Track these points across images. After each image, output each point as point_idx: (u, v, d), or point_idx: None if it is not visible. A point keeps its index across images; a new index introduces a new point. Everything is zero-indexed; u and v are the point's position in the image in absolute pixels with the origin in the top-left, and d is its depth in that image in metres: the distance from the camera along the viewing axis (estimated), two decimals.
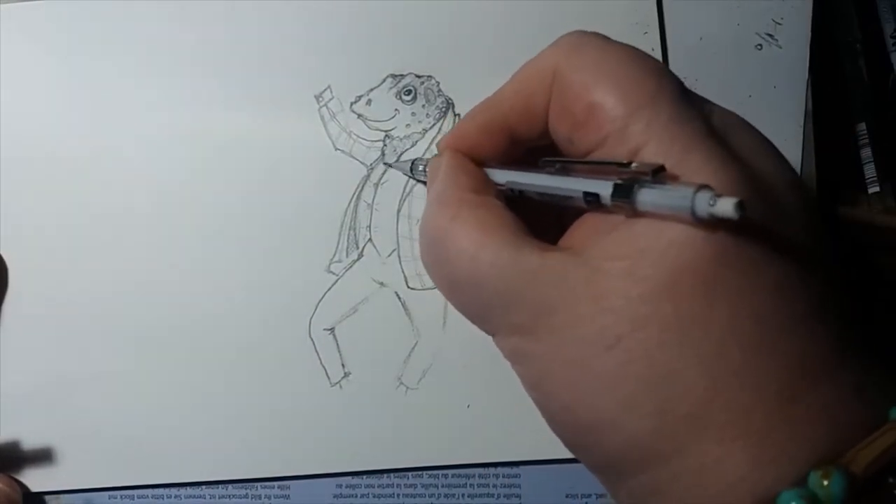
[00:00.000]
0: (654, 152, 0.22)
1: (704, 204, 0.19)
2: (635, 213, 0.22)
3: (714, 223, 0.20)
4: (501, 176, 0.27)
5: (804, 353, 0.21)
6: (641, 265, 0.21)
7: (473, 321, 0.26)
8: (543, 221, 0.26)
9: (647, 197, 0.21)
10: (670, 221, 0.21)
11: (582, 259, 0.22)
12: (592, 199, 0.23)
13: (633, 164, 0.22)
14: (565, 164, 0.25)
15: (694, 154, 0.22)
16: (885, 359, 0.23)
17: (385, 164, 0.39)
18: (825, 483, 0.19)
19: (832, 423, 0.21)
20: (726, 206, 0.19)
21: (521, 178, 0.26)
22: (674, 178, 0.22)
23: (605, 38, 0.26)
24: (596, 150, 0.24)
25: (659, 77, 0.24)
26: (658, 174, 0.21)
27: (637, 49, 0.25)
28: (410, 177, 0.38)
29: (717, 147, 0.22)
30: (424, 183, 0.37)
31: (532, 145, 0.28)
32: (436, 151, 0.38)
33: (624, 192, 0.22)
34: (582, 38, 0.26)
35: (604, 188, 0.22)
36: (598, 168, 0.23)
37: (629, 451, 0.22)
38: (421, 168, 0.36)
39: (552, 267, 0.23)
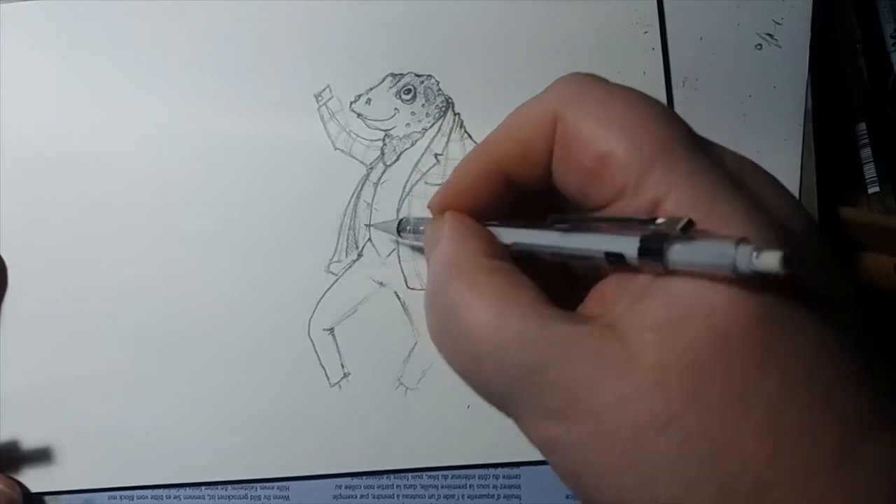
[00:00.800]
0: (676, 204, 0.21)
1: (746, 259, 0.18)
2: (666, 272, 0.20)
3: (755, 279, 0.19)
4: (508, 235, 0.25)
5: (854, 408, 0.20)
6: (685, 334, 0.20)
7: (496, 404, 0.23)
8: (553, 281, 0.25)
9: (681, 254, 0.19)
10: (707, 281, 0.20)
11: (619, 331, 0.20)
12: (616, 259, 0.21)
13: (659, 220, 0.20)
14: (578, 221, 0.23)
15: (719, 205, 0.21)
16: None
17: (366, 225, 0.38)
18: None
19: (891, 477, 0.20)
20: (771, 261, 0.18)
21: (531, 238, 0.24)
22: (704, 233, 0.20)
23: (605, 81, 0.24)
24: (612, 202, 0.23)
25: (669, 123, 0.22)
26: (688, 229, 0.20)
27: (640, 92, 0.24)
28: (398, 239, 0.36)
29: (741, 196, 0.21)
30: (413, 247, 0.37)
31: (530, 191, 0.26)
32: (437, 151, 0.38)
33: (653, 251, 0.20)
34: (582, 82, 0.24)
35: (629, 247, 0.20)
36: (617, 224, 0.22)
37: None
38: (409, 228, 0.34)
39: (586, 341, 0.21)
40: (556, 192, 0.25)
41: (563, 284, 0.25)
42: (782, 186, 0.24)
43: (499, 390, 0.22)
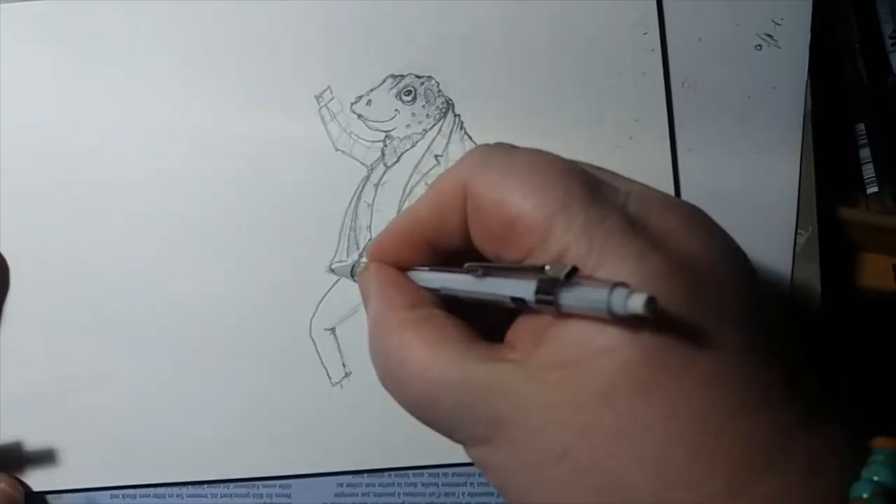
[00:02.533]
0: (574, 256, 0.22)
1: (621, 301, 0.19)
2: (561, 315, 0.22)
3: (637, 323, 0.20)
4: (433, 281, 0.27)
5: (749, 442, 0.21)
6: (576, 374, 0.21)
7: (443, 434, 0.26)
8: (486, 310, 0.27)
9: (568, 299, 0.21)
10: (597, 325, 0.21)
11: (525, 370, 0.23)
12: (520, 303, 0.23)
13: (547, 268, 0.22)
14: (488, 268, 0.25)
15: (610, 254, 0.22)
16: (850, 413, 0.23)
17: (328, 270, 0.38)
18: None
19: None
20: (636, 304, 0.19)
21: (451, 283, 0.26)
22: (588, 279, 0.22)
23: (510, 148, 0.26)
24: (525, 260, 0.24)
25: (567, 179, 0.24)
26: (571, 276, 0.22)
27: (542, 152, 0.25)
28: (352, 279, 0.36)
29: (634, 242, 0.22)
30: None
31: (455, 253, 0.28)
32: (438, 152, 0.39)
33: (546, 294, 0.22)
34: (486, 152, 0.26)
35: (527, 291, 0.22)
36: (520, 271, 0.24)
37: None
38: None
39: (500, 380, 0.23)
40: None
41: (495, 312, 0.26)
42: (701, 220, 0.25)
43: (440, 426, 0.25)
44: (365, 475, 0.39)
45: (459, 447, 0.37)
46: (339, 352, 0.38)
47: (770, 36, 0.39)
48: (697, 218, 0.25)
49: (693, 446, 0.21)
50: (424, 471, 0.38)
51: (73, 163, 0.39)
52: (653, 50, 0.38)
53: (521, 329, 0.24)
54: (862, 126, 0.40)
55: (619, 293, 0.20)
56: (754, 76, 0.39)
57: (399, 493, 0.39)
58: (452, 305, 0.27)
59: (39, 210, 0.39)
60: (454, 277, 0.26)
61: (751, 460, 0.21)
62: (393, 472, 0.38)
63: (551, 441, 0.22)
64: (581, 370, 0.21)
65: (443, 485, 0.38)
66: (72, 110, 0.39)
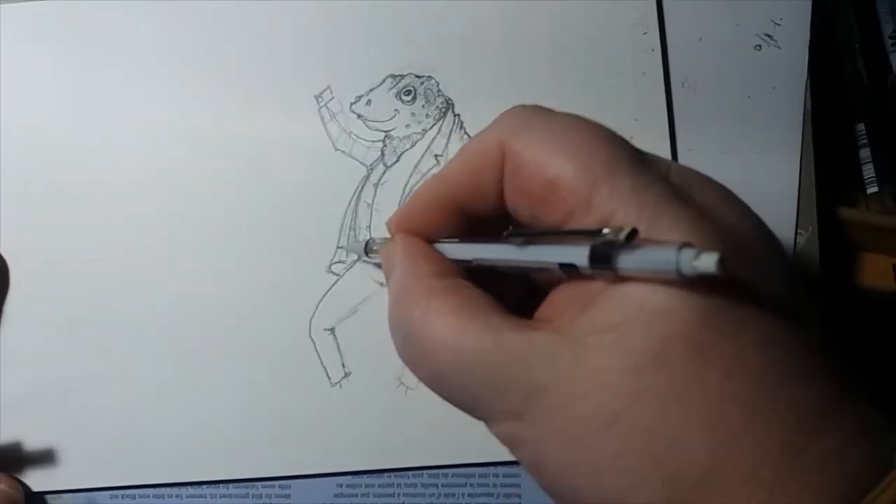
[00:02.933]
0: (623, 221, 0.22)
1: (689, 261, 0.19)
2: (617, 278, 0.21)
3: (695, 284, 0.20)
4: (468, 251, 0.26)
5: (803, 403, 0.21)
6: (629, 337, 0.21)
7: (464, 409, 0.25)
8: (513, 288, 0.26)
9: (628, 261, 0.21)
10: (649, 288, 0.21)
11: (568, 336, 0.22)
12: (570, 269, 0.22)
13: (605, 231, 0.22)
14: (532, 235, 0.24)
15: (663, 218, 0.22)
16: (884, 399, 0.23)
17: (339, 247, 0.38)
18: None
19: (841, 472, 0.20)
20: (708, 262, 0.19)
21: (487, 252, 0.26)
22: (648, 241, 0.21)
23: (548, 111, 0.26)
24: (563, 224, 0.24)
25: (611, 144, 0.24)
26: (632, 238, 0.21)
27: (583, 118, 0.25)
28: (365, 259, 0.37)
29: (684, 207, 0.22)
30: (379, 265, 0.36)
31: (484, 219, 0.27)
32: (437, 152, 0.39)
33: (602, 258, 0.21)
34: (525, 112, 0.26)
35: (579, 257, 0.22)
36: (568, 237, 0.23)
37: None
38: (375, 248, 0.34)
39: (538, 347, 0.22)
40: (510, 216, 0.26)
41: (524, 290, 0.26)
42: (733, 196, 0.25)
43: (464, 399, 0.24)
44: (364, 476, 0.38)
45: (460, 447, 0.37)
46: (339, 352, 0.38)
47: (770, 36, 0.39)
48: (731, 195, 0.25)
49: (749, 407, 0.20)
50: (424, 471, 0.38)
51: (73, 163, 0.39)
52: (653, 50, 0.38)
53: (561, 298, 0.24)
54: (862, 126, 0.40)
55: (687, 253, 0.19)
56: (754, 76, 0.39)
57: (399, 494, 0.38)
58: (482, 277, 0.26)
59: (39, 210, 0.39)
60: (491, 247, 0.25)
61: (806, 421, 0.21)
62: (392, 473, 0.38)
63: (599, 407, 0.21)
64: (634, 332, 0.21)
65: (442, 486, 0.38)
66: (72, 110, 0.39)
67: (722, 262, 0.19)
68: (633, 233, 0.21)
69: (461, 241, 0.27)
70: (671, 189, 0.23)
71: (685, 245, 0.20)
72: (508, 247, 0.25)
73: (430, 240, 0.28)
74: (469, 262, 0.26)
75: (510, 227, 0.25)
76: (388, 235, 0.29)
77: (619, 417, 0.21)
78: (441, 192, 0.27)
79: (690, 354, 0.21)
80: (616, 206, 0.22)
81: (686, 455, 0.20)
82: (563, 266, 0.23)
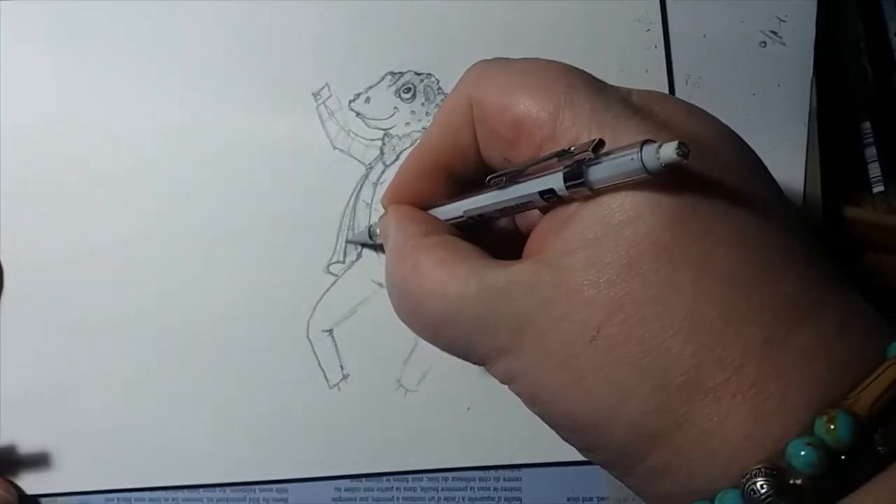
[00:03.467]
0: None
1: (652, 156, 0.20)
2: (593, 193, 0.22)
3: (662, 188, 0.21)
4: (456, 209, 0.28)
5: (779, 299, 0.21)
6: (601, 251, 0.22)
7: (463, 358, 0.26)
8: (510, 243, 0.27)
9: (598, 173, 0.21)
10: (618, 199, 0.22)
11: (544, 262, 0.23)
12: (550, 196, 0.23)
13: (573, 148, 0.22)
14: (511, 173, 0.25)
15: (622, 134, 0.22)
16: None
17: (347, 241, 0.38)
18: (832, 427, 0.19)
19: (825, 363, 0.21)
20: (669, 151, 0.19)
21: (475, 203, 0.27)
22: (612, 150, 0.22)
23: (509, 59, 0.26)
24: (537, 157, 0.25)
25: (568, 76, 0.24)
26: (599, 149, 0.22)
27: (539, 59, 0.26)
28: (372, 244, 0.37)
29: (643, 123, 0.23)
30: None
31: (470, 178, 0.28)
32: None
33: (575, 176, 0.22)
34: (486, 63, 0.27)
35: (555, 181, 0.23)
36: (543, 166, 0.24)
37: (632, 437, 0.22)
38: (379, 231, 0.35)
39: (519, 280, 0.23)
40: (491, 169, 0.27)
41: (520, 244, 0.26)
42: (700, 110, 0.26)
43: (459, 346, 0.25)
44: (363, 479, 0.38)
45: (460, 450, 0.37)
46: (337, 354, 0.38)
47: (775, 33, 0.38)
48: (695, 107, 0.26)
49: (724, 306, 0.21)
50: (424, 475, 0.38)
51: (71, 163, 0.39)
52: (656, 47, 0.38)
53: (540, 232, 0.24)
54: (867, 124, 0.39)
55: (650, 148, 0.20)
56: (758, 74, 0.38)
57: (398, 498, 0.38)
58: (475, 236, 0.27)
59: (38, 210, 0.38)
60: (476, 198, 0.27)
61: (783, 315, 0.21)
62: (391, 476, 0.38)
63: (581, 324, 0.22)
64: (604, 246, 0.22)
65: (442, 489, 0.38)
66: (71, 110, 0.39)
67: (683, 148, 0.19)
68: (600, 143, 0.22)
69: (450, 201, 0.28)
70: (630, 108, 0.23)
71: (646, 142, 0.20)
72: (493, 192, 0.26)
73: (424, 207, 0.29)
74: (461, 217, 0.28)
75: (489, 176, 0.26)
76: None
77: (600, 331, 0.21)
78: (424, 158, 0.28)
79: (661, 258, 0.21)
80: (579, 129, 0.23)
81: (669, 360, 0.21)
82: (543, 195, 0.23)
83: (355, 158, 0.38)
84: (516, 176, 0.25)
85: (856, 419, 0.19)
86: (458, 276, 0.24)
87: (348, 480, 0.38)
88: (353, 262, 0.38)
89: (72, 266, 0.38)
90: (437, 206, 0.29)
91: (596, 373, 0.22)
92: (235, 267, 0.38)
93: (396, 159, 0.38)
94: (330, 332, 0.38)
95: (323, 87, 0.38)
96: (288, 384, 0.38)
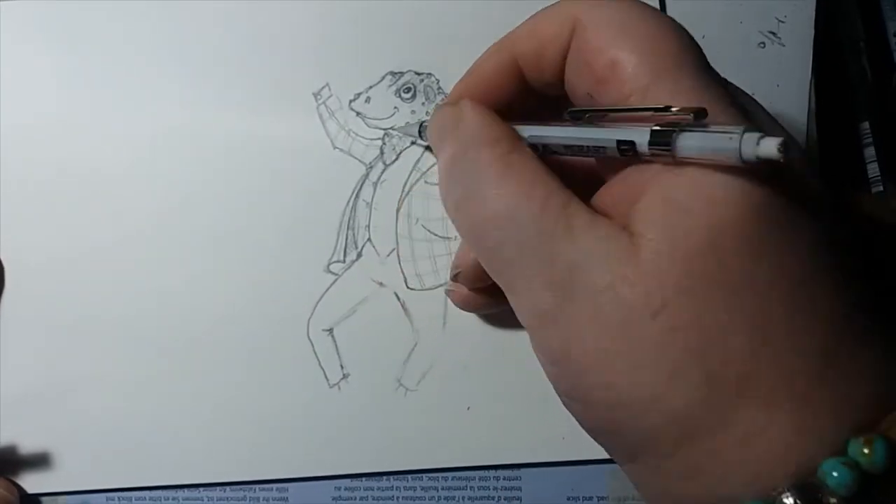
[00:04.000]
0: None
1: (752, 145, 0.19)
2: (675, 161, 0.21)
3: (753, 176, 0.20)
4: (521, 132, 0.26)
5: (843, 313, 0.21)
6: (684, 225, 0.21)
7: (496, 267, 0.25)
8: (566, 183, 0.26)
9: (689, 141, 0.20)
10: (706, 175, 0.21)
11: (621, 225, 0.22)
12: (628, 148, 0.22)
13: (673, 108, 0.21)
14: (597, 112, 0.24)
15: (720, 117, 0.22)
16: None
17: (392, 129, 0.38)
18: (866, 452, 0.19)
19: (870, 387, 0.20)
20: (770, 147, 0.18)
21: (546, 131, 0.25)
22: (711, 124, 0.21)
23: None
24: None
25: (681, 41, 0.23)
26: (700, 117, 0.21)
27: (659, 11, 0.25)
28: (418, 140, 0.37)
29: (742, 112, 0.22)
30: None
31: (541, 93, 0.27)
32: None
33: (663, 138, 0.21)
34: None
35: (640, 135, 0.21)
36: (629, 116, 0.22)
37: (670, 427, 0.21)
38: (438, 124, 0.34)
39: (595, 226, 0.22)
40: (564, 100, 0.26)
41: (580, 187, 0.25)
42: (775, 120, 0.25)
43: (508, 259, 0.24)
44: (363, 478, 0.38)
45: (460, 449, 0.37)
46: (337, 353, 0.38)
47: (773, 33, 0.38)
48: (774, 119, 0.25)
49: (794, 307, 0.20)
50: (424, 474, 0.38)
51: (70, 164, 0.39)
52: None
53: (615, 189, 0.24)
54: (866, 125, 0.39)
55: (751, 137, 0.19)
56: (757, 74, 0.38)
57: (398, 497, 0.38)
58: None
59: (38, 210, 0.39)
60: (549, 127, 0.25)
61: (841, 331, 0.21)
62: (391, 476, 0.38)
63: (646, 295, 0.20)
64: (686, 221, 0.21)
65: (442, 488, 0.38)
66: (71, 110, 0.39)
67: (785, 147, 0.18)
68: (702, 112, 0.21)
69: (515, 123, 0.26)
70: (729, 97, 0.23)
71: (749, 129, 0.19)
72: (566, 126, 0.24)
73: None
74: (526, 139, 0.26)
75: (569, 109, 0.25)
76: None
77: (666, 306, 0.20)
78: (505, 58, 0.27)
79: (743, 246, 0.20)
80: (673, 100, 0.22)
81: (729, 353, 0.20)
82: (620, 144, 0.22)
83: (356, 158, 0.38)
84: (600, 117, 0.24)
85: (891, 445, 0.19)
86: (542, 192, 0.23)
87: (348, 479, 0.38)
88: (353, 262, 0.38)
89: (71, 266, 0.38)
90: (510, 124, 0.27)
91: (650, 348, 0.21)
92: (235, 266, 0.38)
93: (396, 159, 0.38)
94: (330, 331, 0.38)
95: (323, 87, 0.39)
96: (288, 383, 0.38)
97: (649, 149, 0.21)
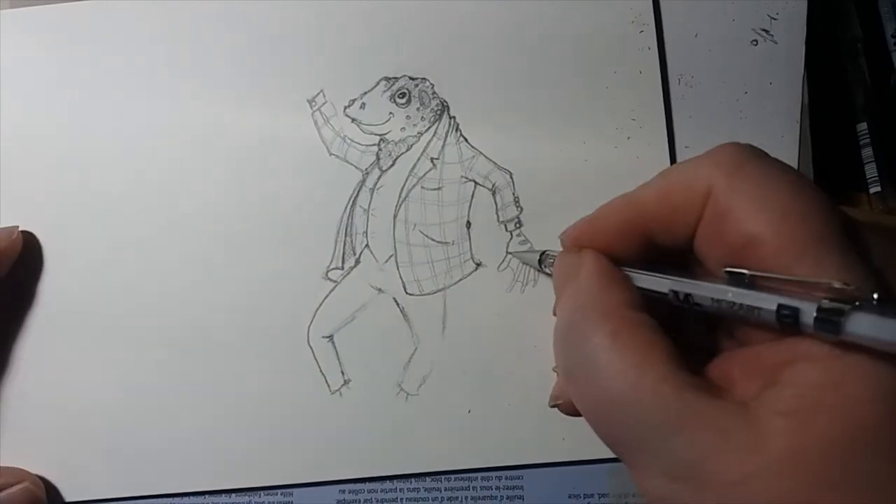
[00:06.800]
0: None
1: None
2: (837, 342, 0.20)
3: None
4: (661, 284, 0.25)
5: None
6: (820, 423, 0.20)
7: (613, 446, 0.24)
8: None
9: (863, 322, 0.19)
10: (843, 373, 0.20)
11: (749, 411, 0.21)
12: (788, 315, 0.21)
13: (837, 284, 0.20)
14: (757, 277, 0.22)
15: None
16: None
17: (513, 254, 0.37)
18: None
19: None
20: None
21: (693, 288, 0.24)
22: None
23: (765, 157, 0.24)
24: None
25: (825, 214, 0.22)
26: (884, 303, 0.19)
27: (800, 175, 0.24)
28: (539, 269, 0.36)
29: (890, 289, 0.21)
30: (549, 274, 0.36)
31: (666, 250, 0.26)
32: (433, 155, 0.38)
33: (832, 314, 0.19)
34: (741, 155, 0.24)
35: (807, 305, 0.20)
36: (798, 286, 0.21)
37: None
38: (551, 261, 0.34)
39: (718, 415, 0.21)
40: (689, 254, 0.25)
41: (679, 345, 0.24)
42: None
43: (622, 441, 0.23)
44: (367, 482, 0.38)
45: (461, 452, 0.37)
46: (338, 359, 0.38)
47: (766, 31, 0.38)
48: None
49: None
50: (427, 476, 0.38)
51: (68, 170, 0.39)
52: (649, 48, 0.38)
53: (734, 368, 0.23)
54: (864, 125, 0.39)
55: None
56: (751, 72, 0.38)
57: (402, 499, 0.38)
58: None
59: (37, 212, 0.39)
60: (697, 283, 0.24)
61: None
62: (395, 477, 0.38)
63: (779, 494, 0.20)
64: (825, 418, 0.20)
65: (445, 489, 0.38)
66: (70, 117, 0.39)
67: None
68: (884, 297, 0.20)
69: (655, 273, 0.26)
70: (879, 276, 0.22)
71: None
72: (717, 284, 0.23)
73: (613, 260, 0.27)
74: (663, 293, 0.25)
75: (726, 267, 0.24)
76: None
77: None
78: (632, 216, 0.26)
79: (875, 449, 0.19)
80: (820, 272, 0.21)
81: None
82: (782, 311, 0.21)
83: (351, 164, 0.38)
84: (760, 281, 0.22)
85: None
86: (658, 374, 0.22)
87: (352, 483, 0.38)
88: (351, 268, 0.38)
89: (71, 272, 0.38)
90: (636, 270, 0.26)
91: None
92: (234, 275, 0.38)
93: (392, 165, 0.38)
94: (330, 338, 0.38)
95: (318, 94, 0.38)
96: (290, 391, 0.38)
97: (815, 322, 0.20)
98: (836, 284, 0.20)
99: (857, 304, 0.19)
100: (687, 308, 0.24)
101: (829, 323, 0.20)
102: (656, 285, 0.25)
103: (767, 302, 0.21)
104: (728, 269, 0.23)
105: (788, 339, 0.22)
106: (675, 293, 0.25)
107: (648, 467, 0.22)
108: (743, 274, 0.23)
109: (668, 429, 0.21)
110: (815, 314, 0.20)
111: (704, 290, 0.24)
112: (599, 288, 0.25)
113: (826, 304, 0.20)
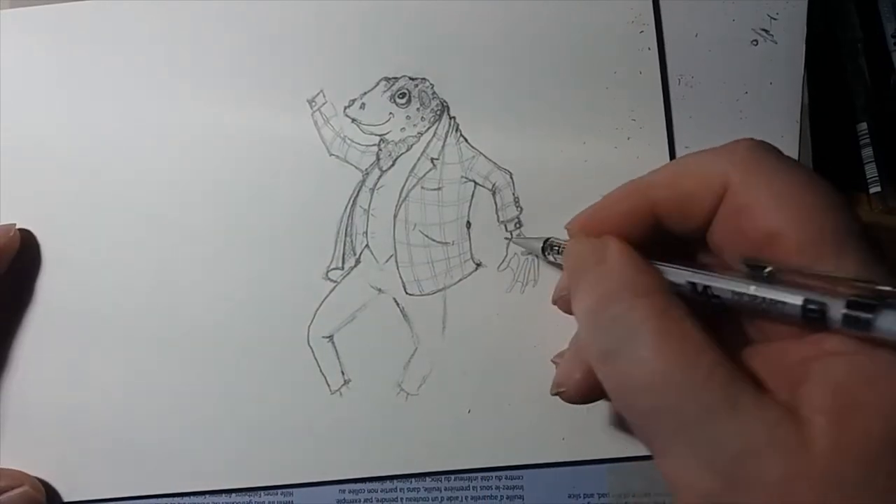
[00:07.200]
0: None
1: None
2: (866, 338, 0.20)
3: None
4: (679, 275, 0.25)
5: None
6: (859, 422, 0.20)
7: (645, 432, 0.23)
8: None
9: (894, 320, 0.19)
10: (877, 370, 0.20)
11: (789, 409, 0.21)
12: (815, 310, 0.21)
13: (880, 286, 0.20)
14: (779, 271, 0.22)
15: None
16: None
17: (514, 241, 0.37)
18: None
19: None
20: None
21: (713, 281, 0.24)
22: None
23: (779, 153, 0.24)
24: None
25: (843, 211, 0.22)
26: None
27: (812, 171, 0.24)
28: (543, 258, 0.36)
29: None
30: (555, 265, 0.36)
31: (675, 238, 0.26)
32: (433, 155, 0.38)
33: (863, 311, 0.19)
34: (758, 151, 0.24)
35: (835, 302, 0.20)
36: (822, 280, 0.21)
37: None
38: (556, 249, 0.34)
39: (766, 407, 0.21)
40: (701, 243, 0.25)
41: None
42: None
43: (660, 425, 0.22)
44: (367, 481, 0.38)
45: (462, 452, 0.37)
46: (338, 359, 0.38)
47: (766, 31, 0.38)
48: None
49: None
50: (427, 476, 0.38)
51: (67, 170, 0.39)
52: (649, 48, 0.38)
53: (763, 360, 0.23)
54: (864, 125, 0.39)
55: None
56: (751, 72, 0.38)
57: (402, 499, 0.38)
58: None
59: (39, 216, 0.39)
60: (717, 277, 0.24)
61: None
62: (395, 477, 0.38)
63: (823, 494, 0.19)
64: (863, 417, 0.20)
65: (445, 489, 0.38)
66: (70, 117, 0.39)
67: None
68: None
69: (674, 265, 0.25)
70: (888, 266, 0.22)
71: None
72: (738, 278, 0.23)
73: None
74: (680, 284, 0.25)
75: (745, 258, 0.24)
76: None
77: None
78: (641, 202, 0.26)
79: None
80: (846, 268, 0.21)
81: None
82: (808, 306, 0.21)
83: (351, 164, 0.38)
84: (781, 275, 0.22)
85: None
86: (709, 361, 0.21)
87: (352, 483, 0.38)
88: (351, 268, 0.38)
89: (69, 273, 0.38)
90: (662, 264, 0.26)
91: None
92: (234, 275, 0.38)
93: (392, 165, 0.38)
94: (330, 338, 0.38)
95: (318, 94, 0.38)
96: (290, 391, 0.38)
97: (842, 319, 0.20)
98: (862, 281, 0.20)
99: (887, 300, 0.19)
100: (703, 301, 0.24)
101: (859, 319, 0.19)
102: (673, 276, 0.25)
103: (792, 297, 0.21)
104: (748, 262, 0.23)
105: (812, 335, 0.21)
106: (693, 285, 0.24)
107: (683, 456, 0.22)
108: (763, 267, 0.22)
109: (716, 414, 0.21)
110: (843, 310, 0.20)
111: (725, 283, 0.23)
112: (637, 270, 0.24)
113: (856, 300, 0.20)
